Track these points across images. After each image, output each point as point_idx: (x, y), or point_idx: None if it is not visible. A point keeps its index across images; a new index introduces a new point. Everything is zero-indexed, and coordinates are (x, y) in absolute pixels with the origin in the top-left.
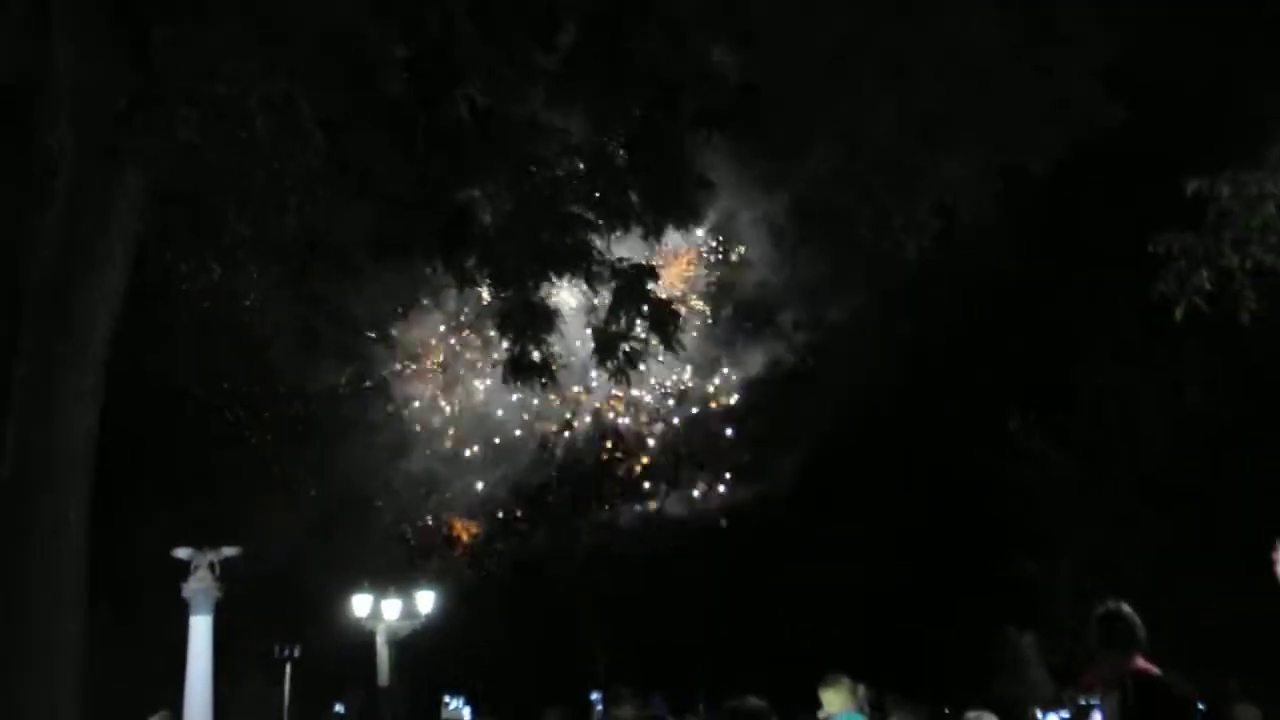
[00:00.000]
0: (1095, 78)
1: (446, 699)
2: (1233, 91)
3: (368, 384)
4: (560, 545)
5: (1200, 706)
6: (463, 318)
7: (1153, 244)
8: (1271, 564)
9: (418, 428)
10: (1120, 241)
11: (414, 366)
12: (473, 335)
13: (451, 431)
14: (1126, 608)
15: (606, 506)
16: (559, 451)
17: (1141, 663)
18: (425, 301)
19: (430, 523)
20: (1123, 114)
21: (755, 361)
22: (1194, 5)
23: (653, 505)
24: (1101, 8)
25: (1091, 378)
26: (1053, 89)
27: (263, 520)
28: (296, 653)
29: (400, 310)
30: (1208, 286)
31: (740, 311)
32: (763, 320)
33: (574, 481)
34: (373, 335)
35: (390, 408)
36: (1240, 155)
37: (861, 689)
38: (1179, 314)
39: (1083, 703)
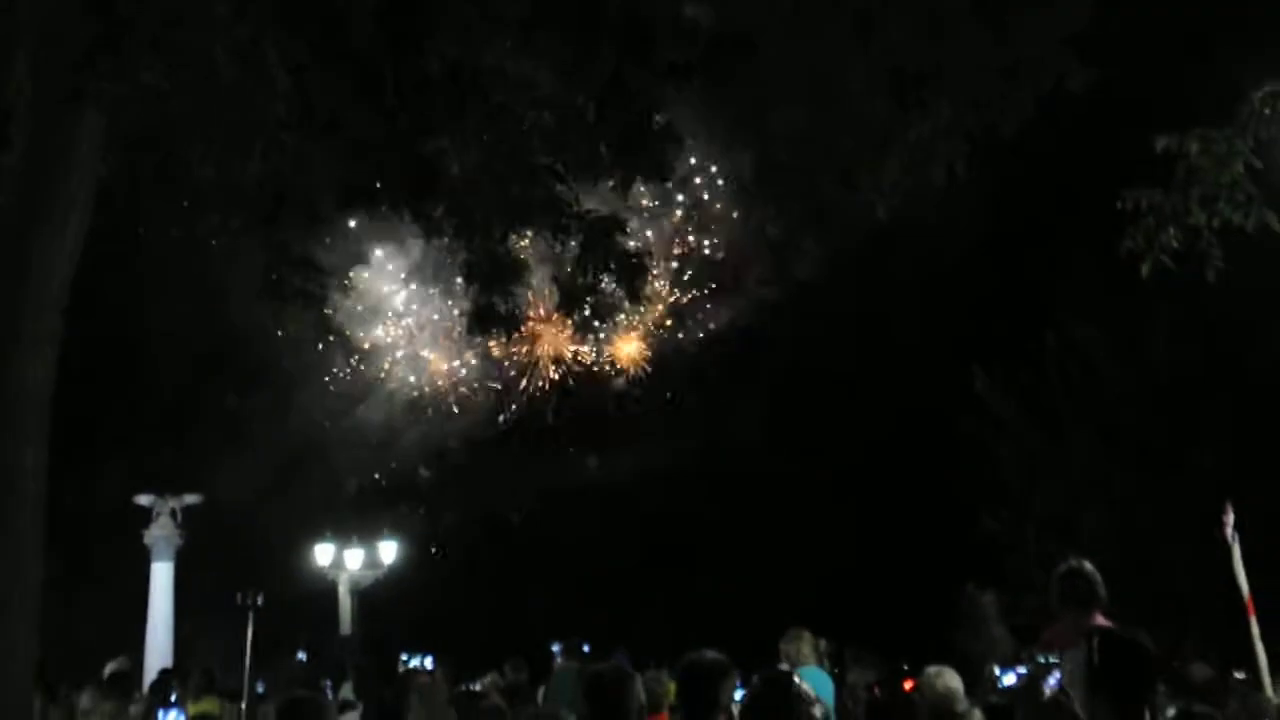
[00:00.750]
0: (1065, 40)
1: (404, 656)
2: (1204, 48)
3: (331, 337)
4: (514, 494)
5: None
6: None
7: (1121, 200)
8: (1221, 526)
9: (382, 375)
10: (1086, 198)
11: (375, 315)
12: (434, 286)
13: (413, 379)
14: (1088, 565)
15: (564, 453)
16: (514, 404)
17: (1102, 620)
18: (386, 251)
19: (392, 470)
20: (1092, 78)
21: (718, 316)
22: None
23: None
24: None
25: (1055, 335)
26: (1021, 50)
27: (224, 467)
28: (260, 600)
29: (365, 258)
30: (1175, 244)
31: (705, 270)
32: (728, 278)
33: (529, 431)
34: (336, 282)
35: (353, 358)
36: (1210, 112)
37: (822, 643)
38: (1145, 270)
39: (1042, 660)
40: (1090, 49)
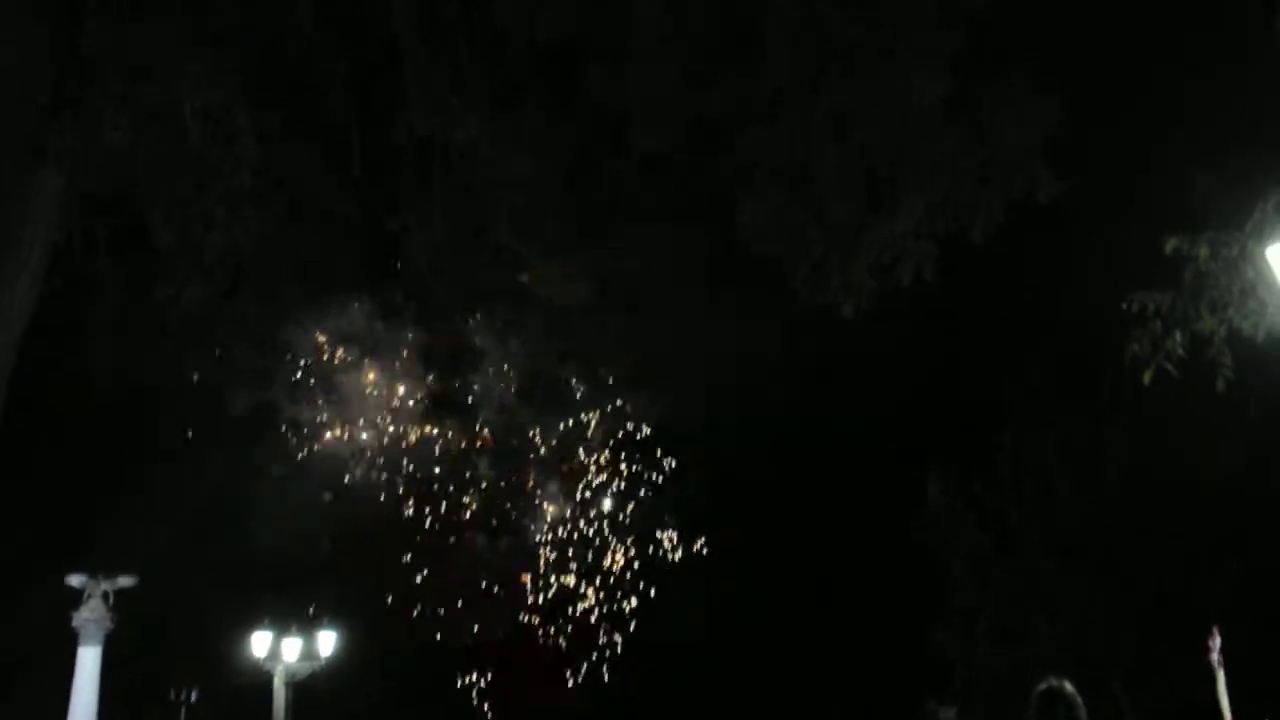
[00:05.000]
0: (1035, 147)
1: None
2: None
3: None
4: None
5: None
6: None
7: (1127, 303)
8: (1205, 650)
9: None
10: (1044, 303)
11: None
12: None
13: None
14: (1069, 686)
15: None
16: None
17: None
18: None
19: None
20: (1062, 186)
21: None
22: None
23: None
24: (1037, 77)
25: (1010, 440)
26: (992, 155)
27: (161, 548)
28: (194, 696)
29: (322, 340)
30: (1181, 351)
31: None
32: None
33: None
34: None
35: (293, 438)
36: (1218, 222)
37: None
38: (1148, 377)
39: None
40: (1060, 155)
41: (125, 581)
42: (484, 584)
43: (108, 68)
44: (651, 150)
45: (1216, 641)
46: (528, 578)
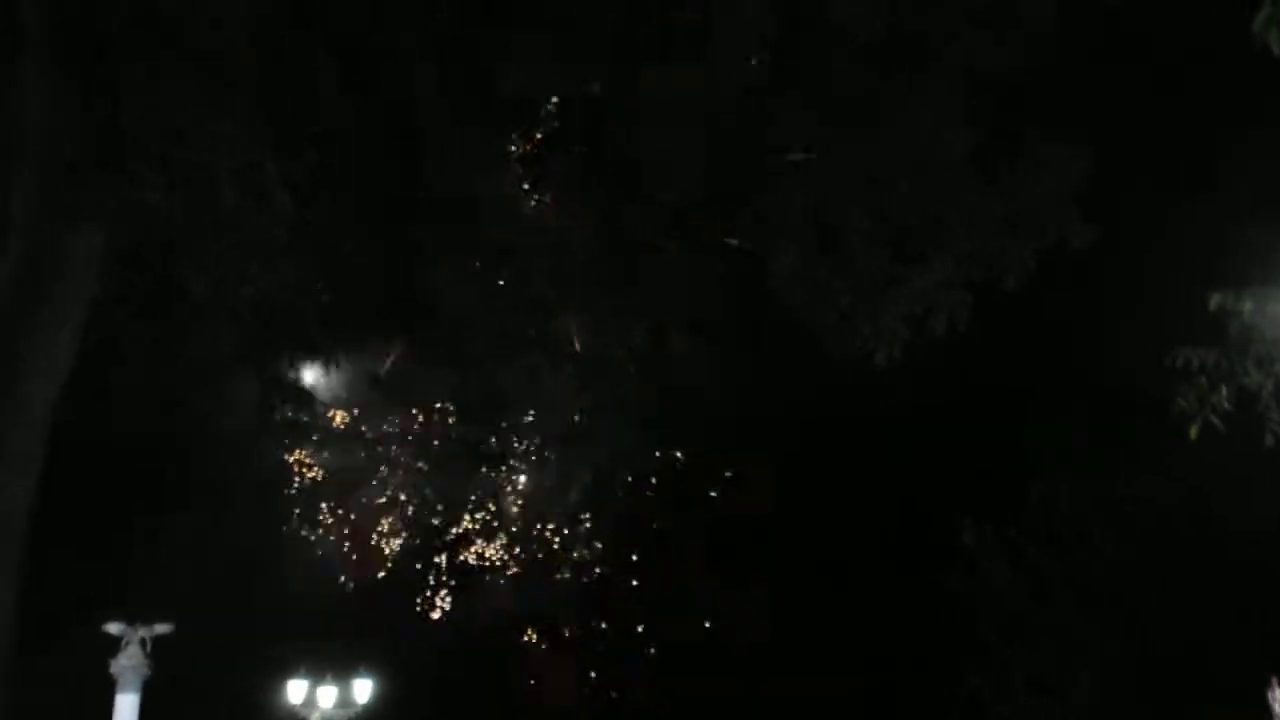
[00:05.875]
0: (1066, 197)
1: None
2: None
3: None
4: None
5: None
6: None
7: (1170, 358)
8: (1270, 701)
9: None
10: (1081, 354)
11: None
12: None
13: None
14: None
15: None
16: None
17: None
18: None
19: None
20: (1095, 233)
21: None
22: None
23: None
24: (1067, 126)
25: (1044, 494)
26: (1021, 203)
27: (197, 596)
28: None
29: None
30: (1227, 405)
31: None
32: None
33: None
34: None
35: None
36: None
37: None
38: (1194, 432)
39: None
40: (1093, 204)
41: (162, 628)
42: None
43: (144, 129)
44: (674, 203)
45: (1277, 693)
46: None
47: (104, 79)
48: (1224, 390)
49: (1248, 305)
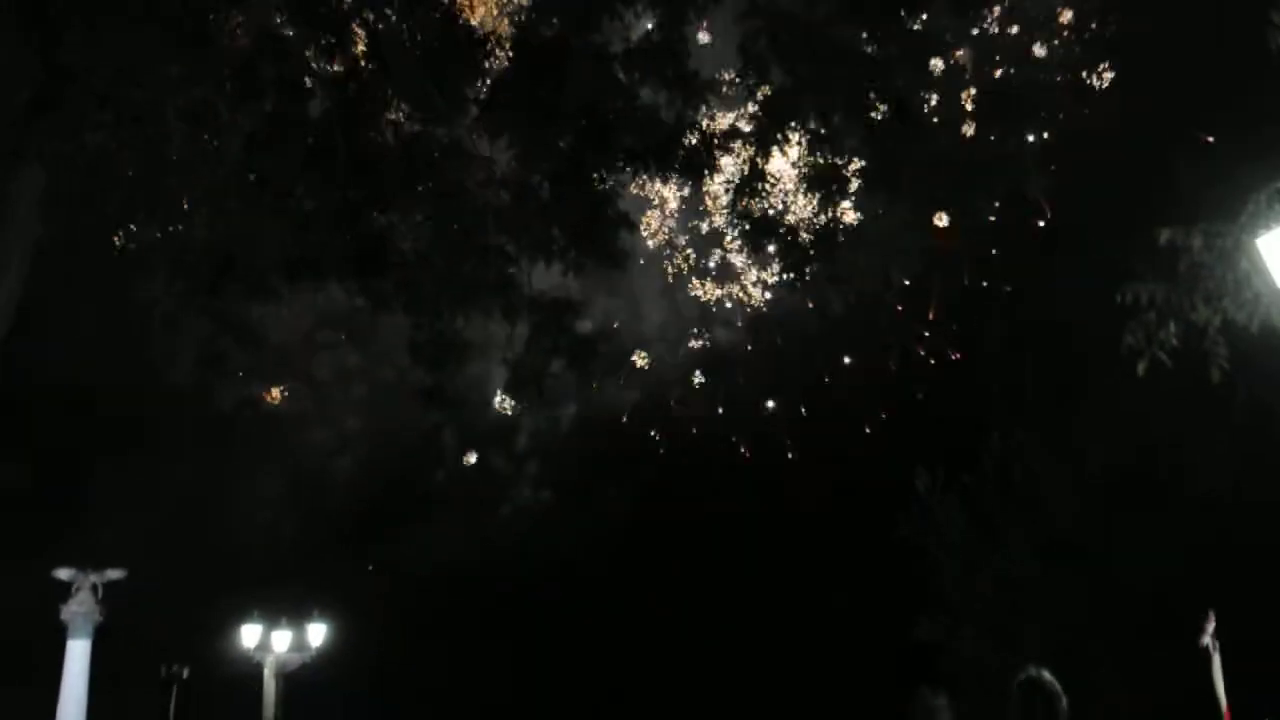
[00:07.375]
0: (1032, 147)
1: None
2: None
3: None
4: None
5: None
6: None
7: (1121, 294)
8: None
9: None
10: (1036, 305)
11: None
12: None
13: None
14: (1047, 675)
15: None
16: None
17: None
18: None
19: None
20: (1050, 186)
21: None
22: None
23: None
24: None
25: (997, 439)
26: (988, 152)
27: (150, 540)
28: (185, 674)
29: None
30: (1174, 341)
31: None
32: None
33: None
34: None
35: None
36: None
37: None
38: (1142, 368)
39: None
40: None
41: (114, 574)
42: None
43: (88, 71)
44: (635, 149)
45: (1210, 625)
46: None
47: (43, 14)
48: (1171, 326)
49: (1197, 241)
